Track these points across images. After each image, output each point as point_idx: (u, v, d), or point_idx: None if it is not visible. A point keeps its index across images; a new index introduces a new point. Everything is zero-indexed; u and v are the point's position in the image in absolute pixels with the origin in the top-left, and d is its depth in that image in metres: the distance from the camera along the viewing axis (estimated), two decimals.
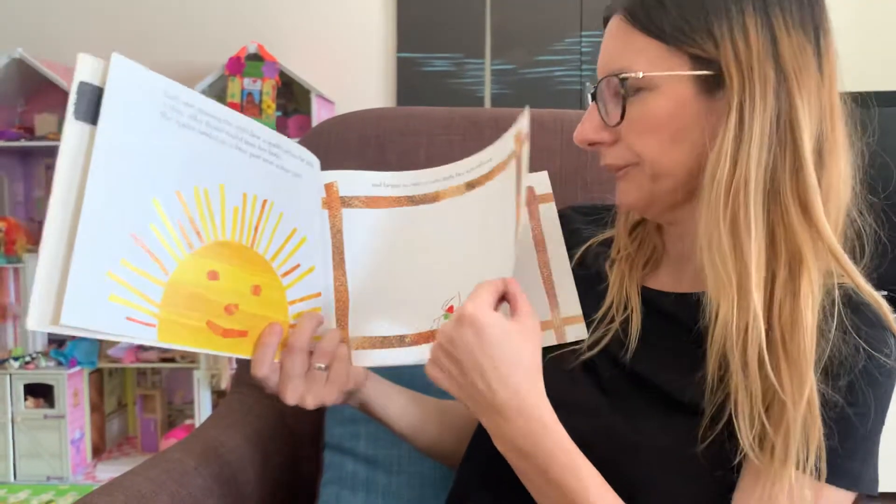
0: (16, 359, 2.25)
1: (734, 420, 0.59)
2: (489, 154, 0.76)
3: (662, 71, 0.63)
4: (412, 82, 2.38)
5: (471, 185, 0.78)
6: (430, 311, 0.74)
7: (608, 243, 0.79)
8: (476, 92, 2.37)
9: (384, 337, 0.75)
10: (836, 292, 0.60)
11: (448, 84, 2.37)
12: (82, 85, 0.56)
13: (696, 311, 0.65)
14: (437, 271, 0.76)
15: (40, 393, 2.23)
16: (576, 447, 0.62)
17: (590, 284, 0.76)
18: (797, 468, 0.57)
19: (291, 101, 2.33)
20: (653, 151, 0.65)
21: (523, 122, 0.72)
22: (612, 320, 0.71)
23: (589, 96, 0.71)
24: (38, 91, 2.45)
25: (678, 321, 0.68)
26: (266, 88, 2.16)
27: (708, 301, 0.61)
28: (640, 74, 0.64)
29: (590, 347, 0.71)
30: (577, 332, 0.75)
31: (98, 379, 2.40)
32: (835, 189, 0.62)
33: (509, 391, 0.61)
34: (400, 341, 0.75)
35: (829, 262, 0.61)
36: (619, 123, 0.65)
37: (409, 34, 2.38)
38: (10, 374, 2.21)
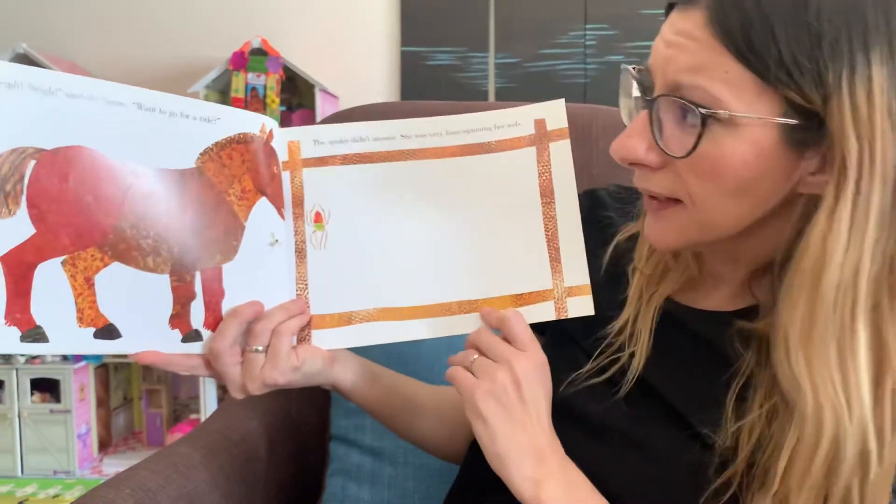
0: (22, 354, 2.25)
1: None
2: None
3: (752, 112, 0.51)
4: (416, 76, 2.38)
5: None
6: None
7: (635, 238, 0.70)
8: (480, 86, 2.36)
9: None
10: None
11: (452, 78, 2.37)
12: None
13: (724, 330, 0.60)
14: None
15: (46, 388, 2.24)
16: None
17: (613, 288, 0.69)
18: None
19: (295, 95, 2.32)
20: (709, 199, 0.55)
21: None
22: (622, 348, 0.65)
23: (633, 92, 0.60)
24: None
25: (700, 339, 0.63)
26: (270, 83, 2.16)
27: (805, 406, 0.51)
28: (728, 114, 0.51)
29: (593, 375, 0.65)
30: (581, 306, 0.66)
31: (104, 374, 2.40)
32: None
33: (549, 433, 0.61)
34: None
35: None
36: (683, 157, 0.54)
37: (413, 28, 2.38)
38: (17, 369, 2.21)
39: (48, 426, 2.22)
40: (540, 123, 0.69)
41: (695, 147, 0.53)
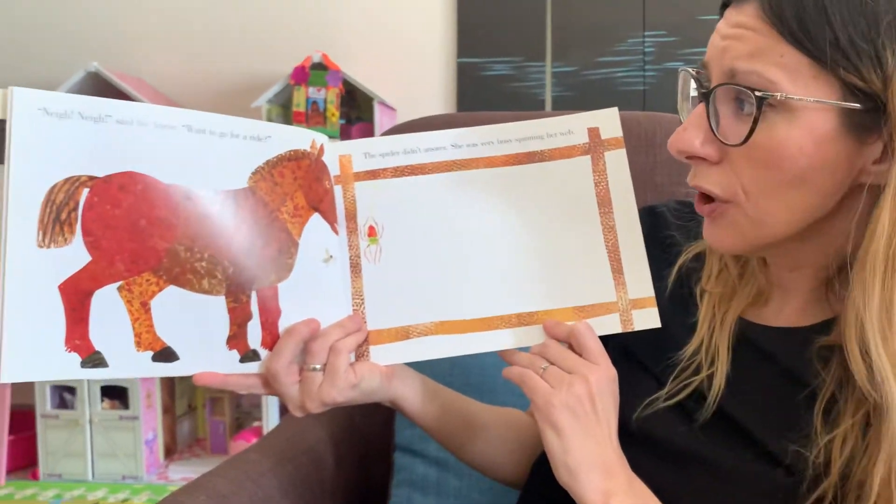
0: (82, 379, 2.32)
1: None
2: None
3: (808, 95, 0.51)
4: (473, 87, 2.39)
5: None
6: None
7: (700, 257, 0.69)
8: (537, 95, 2.36)
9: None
10: None
11: (509, 88, 2.37)
12: None
13: (800, 348, 0.59)
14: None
15: (116, 395, 2.31)
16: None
17: (682, 311, 0.67)
18: None
19: (354, 108, 2.36)
20: (765, 192, 0.54)
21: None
22: (698, 371, 0.63)
23: (691, 93, 0.60)
24: None
25: (776, 360, 0.61)
26: (330, 97, 2.19)
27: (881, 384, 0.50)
28: (784, 96, 0.51)
29: (666, 399, 0.64)
30: (647, 318, 0.64)
31: (169, 382, 2.46)
32: None
33: (618, 448, 0.60)
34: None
35: None
36: (739, 145, 0.53)
37: (469, 39, 2.39)
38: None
39: (117, 432, 2.28)
40: (594, 132, 0.68)
41: (751, 132, 0.52)
